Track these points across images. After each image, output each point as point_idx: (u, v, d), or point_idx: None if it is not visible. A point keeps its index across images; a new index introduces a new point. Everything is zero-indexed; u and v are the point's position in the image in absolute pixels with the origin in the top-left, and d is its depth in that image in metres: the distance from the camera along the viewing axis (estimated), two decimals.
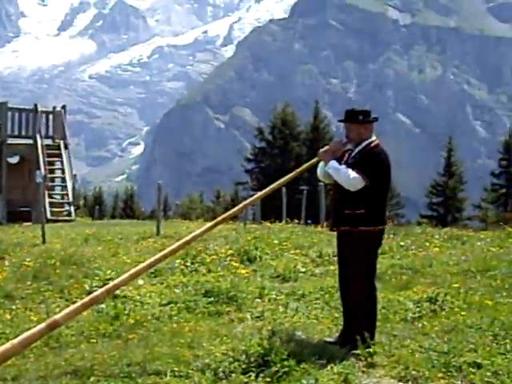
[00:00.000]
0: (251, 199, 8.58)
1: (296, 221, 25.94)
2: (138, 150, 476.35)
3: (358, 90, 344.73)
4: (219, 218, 7.98)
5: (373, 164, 7.26)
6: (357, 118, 7.45)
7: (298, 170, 8.01)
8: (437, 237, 17.50)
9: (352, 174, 7.18)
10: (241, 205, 8.37)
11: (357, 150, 7.42)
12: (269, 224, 23.91)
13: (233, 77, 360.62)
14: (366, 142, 7.43)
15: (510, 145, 45.04)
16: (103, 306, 9.33)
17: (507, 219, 31.31)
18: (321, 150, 7.60)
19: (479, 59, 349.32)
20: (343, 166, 7.31)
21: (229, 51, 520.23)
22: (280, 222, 25.61)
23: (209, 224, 8.07)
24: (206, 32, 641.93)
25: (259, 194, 8.41)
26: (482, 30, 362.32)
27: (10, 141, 32.02)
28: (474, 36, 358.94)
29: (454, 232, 19.41)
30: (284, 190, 26.83)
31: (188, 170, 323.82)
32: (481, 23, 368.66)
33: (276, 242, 15.87)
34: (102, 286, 9.27)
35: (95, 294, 7.38)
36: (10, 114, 32.32)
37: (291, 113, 54.05)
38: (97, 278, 11.24)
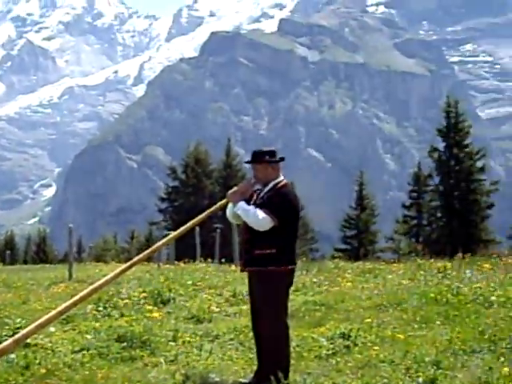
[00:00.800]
0: (165, 240, 8.50)
1: (210, 260, 25.91)
2: (49, 192, 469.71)
3: (269, 127, 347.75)
4: (133, 260, 7.88)
5: (281, 204, 7.29)
6: (263, 159, 7.48)
7: (208, 211, 7.99)
8: (349, 271, 17.67)
9: (261, 214, 7.20)
10: (154, 246, 8.29)
11: (265, 190, 7.44)
12: (183, 264, 23.83)
13: (144, 116, 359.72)
14: (274, 182, 7.46)
15: (420, 177, 45.88)
16: (13, 356, 9.09)
17: (418, 250, 31.86)
18: (229, 192, 7.60)
19: (387, 94, 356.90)
20: (252, 207, 7.32)
21: (140, 91, 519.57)
22: (194, 261, 25.55)
23: (122, 266, 7.95)
24: (116, 72, 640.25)
25: (173, 234, 8.34)
26: (389, 65, 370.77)
27: None
28: (382, 71, 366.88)
29: (366, 266, 19.65)
30: (197, 229, 26.79)
31: (101, 211, 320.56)
32: (387, 59, 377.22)
33: (190, 282, 15.78)
34: (11, 336, 9.05)
35: (3, 344, 7.19)
36: None
37: (204, 151, 54.08)
38: (6, 327, 10.96)
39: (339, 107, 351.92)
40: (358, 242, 48.35)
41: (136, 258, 7.96)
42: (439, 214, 43.04)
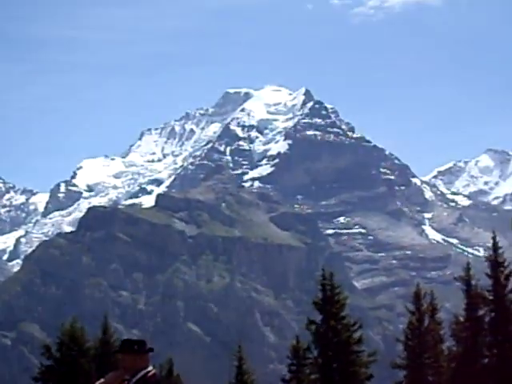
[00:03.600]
0: None
1: None
2: None
3: (148, 301, 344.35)
4: None
5: None
6: (132, 349, 7.37)
7: None
8: None
9: None
10: None
11: (133, 380, 7.31)
12: None
13: (20, 291, 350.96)
14: (143, 372, 7.34)
15: (298, 349, 45.94)
16: None
17: None
18: (97, 383, 7.43)
19: (265, 266, 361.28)
20: None
21: (15, 266, 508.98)
22: None
23: None
24: None
25: None
26: (266, 238, 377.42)
27: None
28: (259, 244, 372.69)
29: None
30: None
31: None
32: (264, 232, 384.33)
33: None
34: None
35: None
36: None
37: (80, 328, 52.89)
38: None
39: (217, 281, 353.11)
40: None
41: None
42: None
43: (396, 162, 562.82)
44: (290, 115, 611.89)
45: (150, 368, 7.44)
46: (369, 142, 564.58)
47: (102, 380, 7.41)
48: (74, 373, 49.66)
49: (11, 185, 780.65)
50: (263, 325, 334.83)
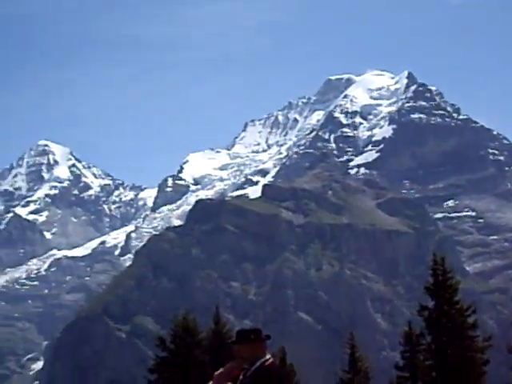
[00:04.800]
0: None
1: None
2: (37, 366, 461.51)
3: (258, 292, 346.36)
4: None
5: (268, 383, 7.10)
6: (249, 338, 7.33)
7: None
8: None
9: None
10: None
11: (252, 369, 7.26)
12: None
13: (132, 286, 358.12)
14: (261, 361, 7.28)
15: (411, 336, 45.34)
16: None
17: None
18: (216, 373, 7.41)
19: (374, 253, 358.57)
20: None
21: (127, 260, 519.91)
22: None
23: None
24: (103, 243, 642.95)
25: None
26: (374, 224, 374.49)
27: None
28: (367, 231, 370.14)
29: None
30: None
31: None
32: (372, 218, 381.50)
33: None
34: None
35: None
36: None
37: (192, 319, 53.56)
38: None
39: (326, 269, 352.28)
40: None
41: None
42: (434, 374, 42.35)
43: (505, 142, 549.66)
44: (394, 99, 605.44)
45: (267, 356, 7.37)
46: (476, 122, 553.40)
47: (220, 370, 7.39)
48: (189, 364, 50.32)
49: (120, 181, 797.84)
50: (374, 312, 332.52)
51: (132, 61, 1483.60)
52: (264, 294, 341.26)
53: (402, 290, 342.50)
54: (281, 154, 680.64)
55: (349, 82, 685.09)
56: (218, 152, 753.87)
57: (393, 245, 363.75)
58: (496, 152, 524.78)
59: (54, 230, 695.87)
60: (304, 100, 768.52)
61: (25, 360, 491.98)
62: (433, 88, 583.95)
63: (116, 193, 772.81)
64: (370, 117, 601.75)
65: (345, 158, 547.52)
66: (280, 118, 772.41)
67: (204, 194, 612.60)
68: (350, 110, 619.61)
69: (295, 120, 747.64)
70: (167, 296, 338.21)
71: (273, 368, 7.34)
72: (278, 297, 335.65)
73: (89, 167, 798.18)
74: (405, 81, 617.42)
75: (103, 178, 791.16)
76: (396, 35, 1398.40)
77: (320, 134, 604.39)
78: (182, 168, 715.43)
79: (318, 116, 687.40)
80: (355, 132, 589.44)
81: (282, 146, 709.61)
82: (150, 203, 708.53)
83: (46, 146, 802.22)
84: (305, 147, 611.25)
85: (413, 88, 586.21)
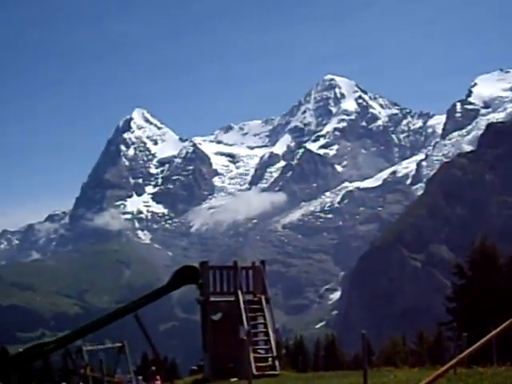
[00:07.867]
0: None
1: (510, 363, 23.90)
2: (335, 296, 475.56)
3: None
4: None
5: None
6: None
7: None
8: None
9: None
10: None
11: None
12: (480, 369, 22.09)
13: (425, 214, 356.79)
14: None
15: None
16: None
17: None
18: None
19: None
20: None
21: (419, 189, 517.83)
22: (491, 364, 23.70)
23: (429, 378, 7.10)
24: (394, 173, 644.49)
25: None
26: None
27: (213, 298, 32.34)
28: None
29: None
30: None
31: (387, 312, 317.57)
32: None
33: None
34: None
35: None
36: (211, 272, 32.79)
37: (491, 245, 51.77)
38: None
39: None
40: None
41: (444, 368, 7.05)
42: None
43: None
44: None
45: None
46: None
47: None
48: (488, 291, 48.78)
49: (408, 110, 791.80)
50: None
51: None
52: None
53: None
54: None
55: None
56: (507, 72, 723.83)
57: None
58: None
59: (344, 162, 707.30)
60: None
61: (323, 290, 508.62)
62: None
63: (404, 122, 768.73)
64: None
65: None
66: None
67: (495, 117, 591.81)
68: None
69: None
70: (461, 223, 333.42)
71: None
72: None
73: (375, 98, 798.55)
74: None
75: (390, 108, 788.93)
76: None
77: None
78: (470, 92, 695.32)
79: None
80: None
81: None
82: (439, 130, 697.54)
83: (332, 80, 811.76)
84: None
85: None
